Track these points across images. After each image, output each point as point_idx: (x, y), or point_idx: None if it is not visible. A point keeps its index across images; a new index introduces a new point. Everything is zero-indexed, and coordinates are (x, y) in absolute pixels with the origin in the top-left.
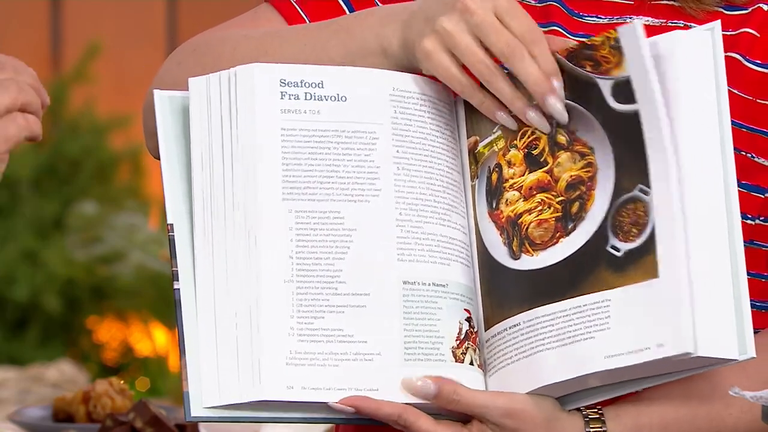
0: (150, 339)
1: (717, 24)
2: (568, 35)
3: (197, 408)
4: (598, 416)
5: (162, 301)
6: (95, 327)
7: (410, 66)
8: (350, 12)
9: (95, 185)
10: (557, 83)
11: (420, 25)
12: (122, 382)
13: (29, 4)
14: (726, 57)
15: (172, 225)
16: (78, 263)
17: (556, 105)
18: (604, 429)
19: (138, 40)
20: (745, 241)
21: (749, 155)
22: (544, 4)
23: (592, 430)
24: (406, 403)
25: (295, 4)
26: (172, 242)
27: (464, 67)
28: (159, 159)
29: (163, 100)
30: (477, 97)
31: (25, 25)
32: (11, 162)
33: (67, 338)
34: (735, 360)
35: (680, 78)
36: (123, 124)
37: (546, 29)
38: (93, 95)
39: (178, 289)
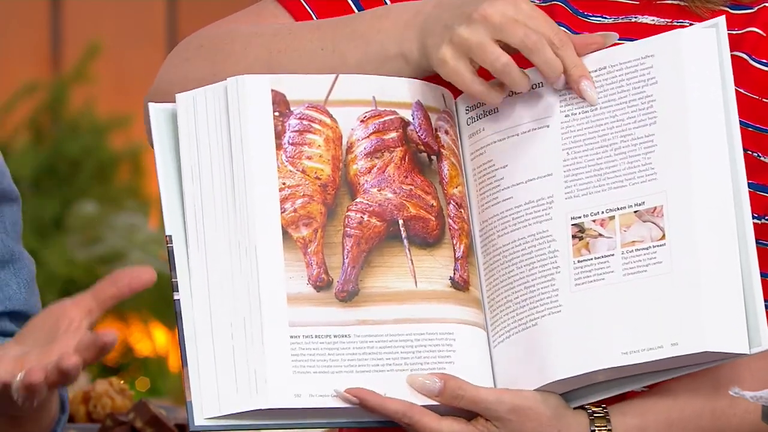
0: (150, 339)
1: (721, 20)
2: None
3: (200, 418)
4: (603, 414)
5: (162, 301)
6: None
7: (429, 70)
8: (358, 10)
9: (95, 185)
10: (587, 83)
11: (438, 33)
12: (122, 382)
13: (29, 4)
14: (732, 56)
15: (170, 236)
16: (78, 263)
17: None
18: (609, 428)
19: (138, 40)
20: None
21: (755, 154)
22: (549, 3)
23: (597, 428)
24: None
25: (302, 0)
26: (171, 253)
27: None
28: None
29: (158, 113)
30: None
31: (25, 25)
32: (11, 162)
33: None
34: (746, 354)
35: (685, 75)
36: (123, 124)
37: None
38: (93, 95)
39: (179, 300)
